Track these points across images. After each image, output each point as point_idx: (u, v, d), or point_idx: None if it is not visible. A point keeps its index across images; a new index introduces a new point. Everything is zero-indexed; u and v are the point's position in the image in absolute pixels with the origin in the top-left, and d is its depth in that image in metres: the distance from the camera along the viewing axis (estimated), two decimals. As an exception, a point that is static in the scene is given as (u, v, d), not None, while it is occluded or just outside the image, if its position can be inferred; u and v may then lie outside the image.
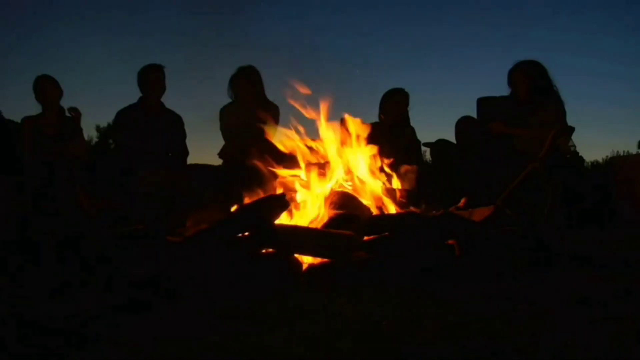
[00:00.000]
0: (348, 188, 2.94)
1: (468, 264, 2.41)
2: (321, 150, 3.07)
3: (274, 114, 4.57)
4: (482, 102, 4.80)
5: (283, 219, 2.66)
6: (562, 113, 4.41)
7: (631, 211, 4.58)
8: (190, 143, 4.82)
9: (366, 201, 2.90)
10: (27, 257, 2.74)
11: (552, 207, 3.61)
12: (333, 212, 2.67)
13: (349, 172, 3.02)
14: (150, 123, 4.62)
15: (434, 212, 2.82)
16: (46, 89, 4.48)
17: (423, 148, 5.22)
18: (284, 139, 3.10)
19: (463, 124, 4.91)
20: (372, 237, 2.49)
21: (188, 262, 2.31)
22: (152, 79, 4.63)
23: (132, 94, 4.74)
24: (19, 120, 4.53)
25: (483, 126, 4.62)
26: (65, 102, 4.59)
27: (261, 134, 3.47)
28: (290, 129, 3.09)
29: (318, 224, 2.66)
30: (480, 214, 2.90)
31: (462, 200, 3.11)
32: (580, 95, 13.57)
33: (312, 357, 1.39)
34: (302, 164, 3.05)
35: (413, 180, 3.16)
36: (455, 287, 2.13)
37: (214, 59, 6.00)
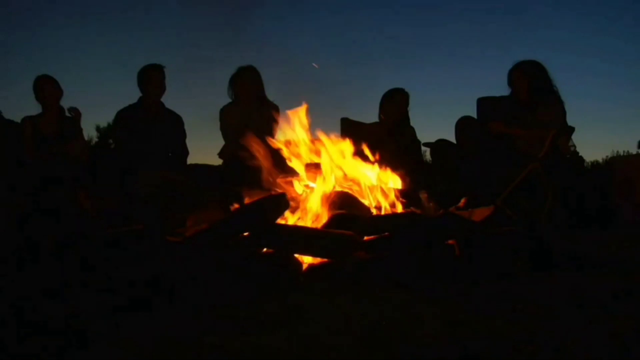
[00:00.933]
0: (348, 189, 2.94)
1: (468, 264, 2.41)
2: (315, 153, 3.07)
3: (274, 114, 4.56)
4: (482, 102, 4.79)
5: (283, 219, 2.66)
6: (562, 113, 4.41)
7: (631, 211, 4.58)
8: (190, 143, 4.82)
9: (366, 201, 2.90)
10: (27, 256, 2.73)
11: (552, 207, 3.61)
12: (333, 212, 2.67)
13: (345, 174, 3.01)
14: (150, 123, 4.61)
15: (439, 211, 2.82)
16: (46, 89, 4.48)
17: (423, 148, 5.22)
18: (284, 139, 3.10)
19: (463, 124, 4.91)
20: (372, 237, 2.49)
21: (188, 262, 2.31)
22: (152, 78, 4.63)
23: (132, 94, 4.74)
24: (19, 120, 4.53)
25: (483, 126, 4.61)
26: (65, 102, 4.59)
27: (261, 134, 3.46)
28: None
29: (318, 224, 2.66)
30: (480, 214, 2.90)
31: (462, 200, 3.11)
32: (580, 95, 13.54)
33: (312, 357, 1.39)
34: (302, 165, 3.05)
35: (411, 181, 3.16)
36: (455, 287, 2.13)
37: (214, 59, 5.99)
